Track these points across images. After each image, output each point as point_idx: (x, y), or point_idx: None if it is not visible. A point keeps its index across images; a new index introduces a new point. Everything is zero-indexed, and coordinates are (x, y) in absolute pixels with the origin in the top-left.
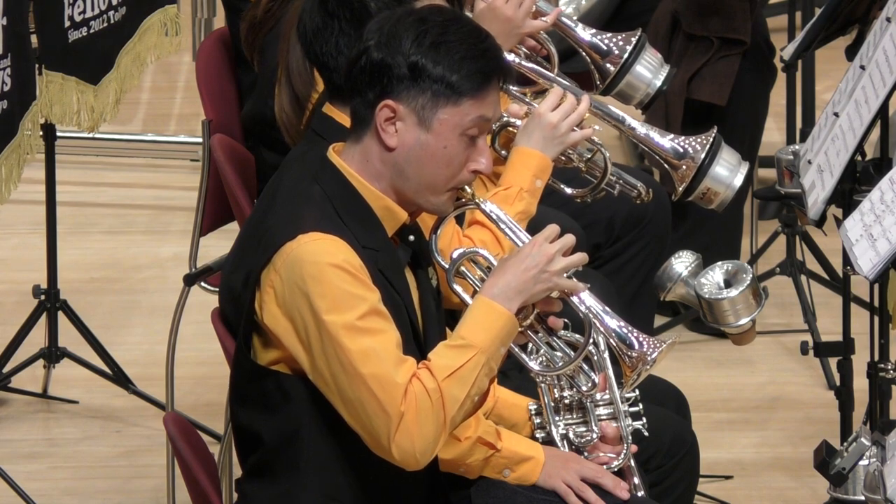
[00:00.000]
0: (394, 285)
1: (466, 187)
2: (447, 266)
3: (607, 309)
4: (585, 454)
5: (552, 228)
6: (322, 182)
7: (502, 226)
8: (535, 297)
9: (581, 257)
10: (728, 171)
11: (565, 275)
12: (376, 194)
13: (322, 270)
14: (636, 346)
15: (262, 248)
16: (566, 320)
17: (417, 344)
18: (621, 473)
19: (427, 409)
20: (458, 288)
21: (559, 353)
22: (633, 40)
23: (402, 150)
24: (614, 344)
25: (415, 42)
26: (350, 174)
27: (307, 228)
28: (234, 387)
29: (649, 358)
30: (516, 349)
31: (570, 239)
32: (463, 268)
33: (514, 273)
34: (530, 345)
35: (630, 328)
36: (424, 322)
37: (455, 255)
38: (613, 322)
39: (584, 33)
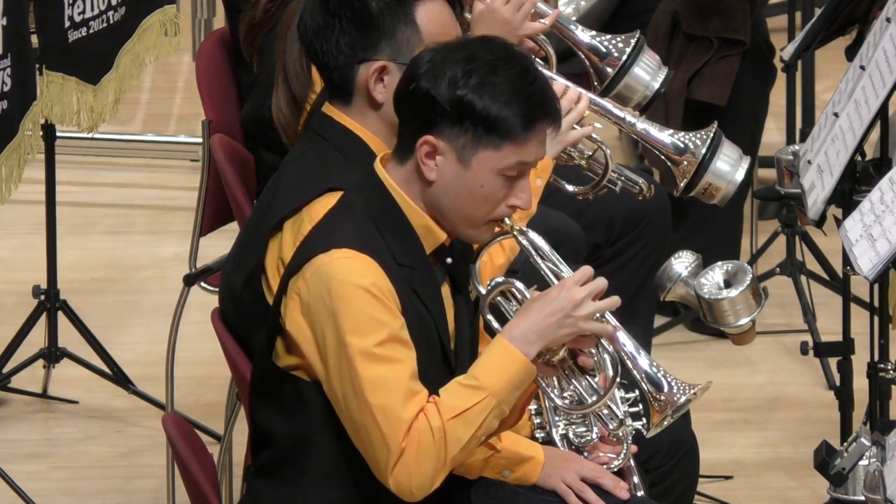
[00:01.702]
0: (427, 305)
1: (506, 219)
2: (483, 293)
3: (641, 349)
4: (585, 454)
5: (585, 270)
6: (365, 194)
7: (539, 259)
8: (558, 340)
9: (613, 301)
10: (729, 167)
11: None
12: (418, 212)
13: (348, 291)
14: (665, 389)
15: (298, 258)
16: (597, 359)
17: (447, 366)
18: (621, 473)
19: (428, 446)
20: (490, 318)
21: (588, 390)
22: (632, 42)
23: (441, 183)
24: (645, 388)
25: (462, 78)
26: (394, 189)
27: (342, 244)
28: (254, 384)
29: (677, 401)
30: (543, 384)
31: (601, 283)
32: (498, 298)
33: (537, 316)
34: (559, 380)
35: (661, 369)
36: (457, 345)
37: (491, 284)
38: (646, 363)
39: (583, 35)
